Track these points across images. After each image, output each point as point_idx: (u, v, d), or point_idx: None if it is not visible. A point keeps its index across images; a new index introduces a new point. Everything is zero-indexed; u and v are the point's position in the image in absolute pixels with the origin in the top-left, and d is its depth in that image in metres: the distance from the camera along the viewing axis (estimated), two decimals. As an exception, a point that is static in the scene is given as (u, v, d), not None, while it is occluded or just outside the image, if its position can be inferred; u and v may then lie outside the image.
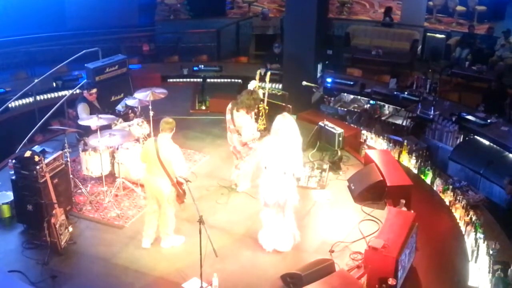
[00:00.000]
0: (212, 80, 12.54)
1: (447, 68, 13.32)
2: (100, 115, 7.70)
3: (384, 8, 16.85)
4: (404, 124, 10.66)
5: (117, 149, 8.06)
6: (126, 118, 8.85)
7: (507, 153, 9.32)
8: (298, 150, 6.68)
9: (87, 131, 8.06)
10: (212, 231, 6.26)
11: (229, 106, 7.96)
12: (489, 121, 10.11)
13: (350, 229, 7.31)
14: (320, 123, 9.34)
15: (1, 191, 7.68)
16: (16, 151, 8.79)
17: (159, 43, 15.72)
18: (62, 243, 6.82)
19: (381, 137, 9.80)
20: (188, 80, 12.72)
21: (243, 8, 18.35)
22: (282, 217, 6.78)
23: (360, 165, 8.92)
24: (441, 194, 8.33)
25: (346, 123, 10.39)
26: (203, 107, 11.33)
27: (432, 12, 17.27)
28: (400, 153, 9.29)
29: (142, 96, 8.60)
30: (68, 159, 7.76)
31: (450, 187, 8.25)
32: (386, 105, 11.32)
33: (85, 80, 9.95)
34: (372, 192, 7.87)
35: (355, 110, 11.33)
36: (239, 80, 12.14)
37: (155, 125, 6.96)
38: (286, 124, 6.62)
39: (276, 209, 6.73)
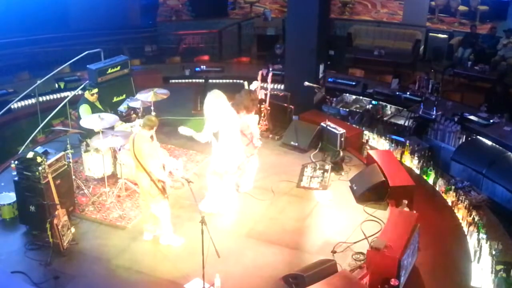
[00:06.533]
0: (214, 80, 12.54)
1: (450, 68, 13.31)
2: (101, 116, 7.70)
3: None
4: (406, 124, 10.65)
5: (119, 150, 8.07)
6: (128, 119, 8.86)
7: (509, 153, 9.30)
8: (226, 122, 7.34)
9: (89, 132, 8.06)
10: (214, 232, 6.26)
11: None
12: (491, 121, 10.10)
13: (352, 229, 7.31)
14: (322, 124, 9.34)
15: (4, 192, 7.70)
16: (19, 152, 8.82)
17: (161, 44, 15.73)
18: (65, 244, 6.83)
19: (383, 137, 9.80)
20: (190, 80, 12.74)
21: (245, 9, 18.36)
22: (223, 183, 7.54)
23: (362, 165, 8.91)
24: (443, 195, 8.32)
25: (348, 123, 10.38)
26: (205, 108, 11.32)
27: (434, 12, 17.24)
28: (402, 153, 9.28)
29: (144, 97, 8.63)
30: (71, 160, 7.78)
31: (453, 187, 8.25)
32: (388, 106, 11.31)
33: (87, 81, 9.98)
34: (374, 193, 7.86)
35: (357, 110, 11.33)
36: (242, 81, 12.15)
37: (157, 126, 7.01)
38: (214, 105, 7.20)
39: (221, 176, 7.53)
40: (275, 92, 10.16)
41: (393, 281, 5.95)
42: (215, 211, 7.53)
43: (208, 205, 7.56)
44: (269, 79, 9.46)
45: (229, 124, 7.29)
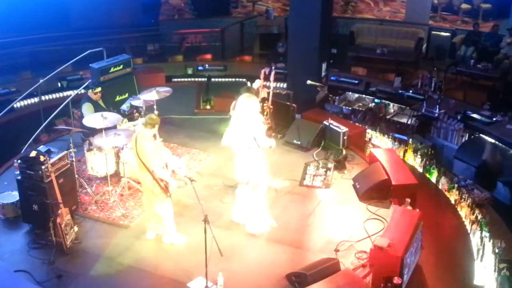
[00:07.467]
0: (216, 79, 12.54)
1: (452, 66, 13.29)
2: (104, 115, 7.71)
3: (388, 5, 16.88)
4: (409, 122, 10.64)
5: (122, 148, 8.08)
6: (131, 117, 8.87)
7: (512, 151, 9.30)
8: (259, 124, 7.23)
9: (92, 131, 8.07)
10: (217, 230, 6.26)
11: (233, 105, 7.96)
12: (494, 119, 10.08)
13: (355, 228, 7.31)
14: (325, 122, 9.33)
15: (7, 191, 7.72)
16: (22, 151, 8.82)
17: (163, 42, 15.73)
18: (68, 243, 6.84)
19: (386, 136, 9.80)
20: (192, 79, 12.74)
21: (247, 7, 18.35)
22: (255, 196, 7.22)
23: (365, 164, 8.91)
24: (446, 193, 8.32)
25: (351, 122, 10.38)
26: (208, 107, 11.34)
27: (436, 10, 17.21)
28: (405, 151, 9.28)
29: (147, 95, 8.64)
30: (73, 159, 7.78)
31: (456, 185, 8.24)
32: (391, 104, 11.29)
33: (90, 80, 9.98)
34: (377, 191, 7.86)
35: (360, 109, 11.31)
36: (244, 79, 12.16)
37: (160, 125, 7.01)
38: (249, 103, 7.04)
39: (250, 187, 7.22)
40: (277, 91, 10.14)
41: (396, 280, 5.95)
42: (242, 222, 7.39)
43: (237, 215, 7.45)
44: (271, 78, 9.45)
45: (252, 129, 7.07)
